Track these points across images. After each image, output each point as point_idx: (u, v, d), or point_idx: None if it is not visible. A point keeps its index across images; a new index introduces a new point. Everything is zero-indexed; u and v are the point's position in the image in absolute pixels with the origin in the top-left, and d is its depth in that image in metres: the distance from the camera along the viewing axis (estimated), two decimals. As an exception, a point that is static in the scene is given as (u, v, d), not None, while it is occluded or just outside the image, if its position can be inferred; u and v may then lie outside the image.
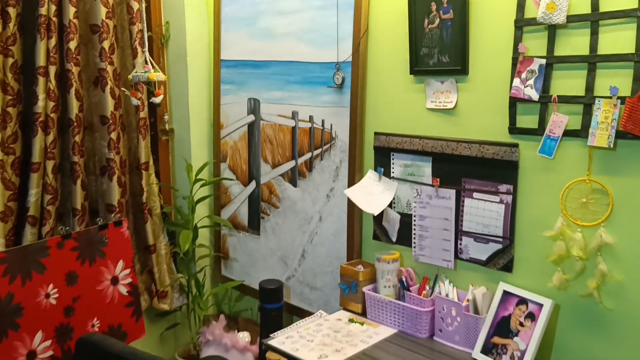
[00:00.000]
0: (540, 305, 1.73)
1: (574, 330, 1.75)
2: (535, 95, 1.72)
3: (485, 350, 1.80)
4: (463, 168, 1.93)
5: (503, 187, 1.83)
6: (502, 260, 1.87)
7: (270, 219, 2.65)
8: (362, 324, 2.09)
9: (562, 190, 1.70)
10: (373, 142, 2.18)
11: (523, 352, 1.71)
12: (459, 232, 1.97)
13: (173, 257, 2.76)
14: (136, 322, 2.38)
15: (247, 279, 2.79)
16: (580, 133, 1.65)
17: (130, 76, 2.36)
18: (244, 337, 2.55)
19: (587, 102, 1.62)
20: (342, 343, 1.94)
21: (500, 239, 1.86)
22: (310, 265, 2.49)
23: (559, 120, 1.68)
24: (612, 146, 1.57)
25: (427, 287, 2.02)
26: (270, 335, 2.02)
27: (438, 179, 1.99)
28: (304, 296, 2.54)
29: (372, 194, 2.17)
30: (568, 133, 1.67)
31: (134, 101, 2.45)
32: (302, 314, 2.52)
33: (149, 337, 2.70)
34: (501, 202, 1.84)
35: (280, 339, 1.98)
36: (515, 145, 1.79)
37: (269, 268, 2.68)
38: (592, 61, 1.61)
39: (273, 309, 2.47)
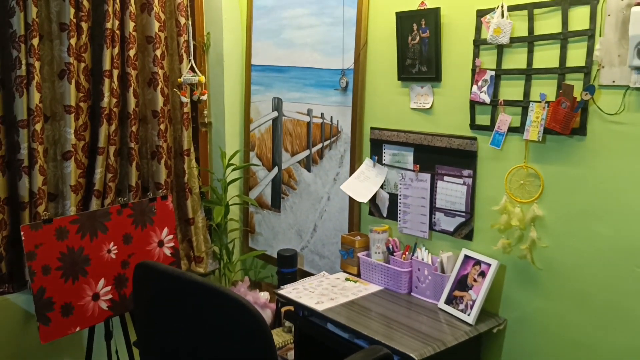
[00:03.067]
0: (489, 265, 2.19)
1: (516, 286, 2.20)
2: (487, 99, 2.17)
3: (448, 301, 2.27)
4: (436, 156, 2.39)
5: (465, 172, 2.30)
6: (465, 230, 2.33)
7: (289, 199, 3.16)
8: (355, 282, 2.58)
9: (506, 174, 2.15)
10: (369, 135, 2.67)
11: (474, 301, 2.17)
12: (433, 208, 2.44)
13: (208, 229, 3.31)
14: (177, 278, 2.94)
15: (269, 250, 3.32)
16: (519, 129, 2.10)
17: (181, 79, 2.91)
18: (264, 295, 3.08)
19: (524, 105, 2.07)
20: (337, 294, 2.44)
21: (463, 214, 2.32)
22: (320, 237, 3.00)
23: (505, 119, 2.13)
24: (541, 140, 2.01)
25: (408, 253, 2.50)
26: (281, 287, 2.54)
27: (418, 166, 2.47)
28: (314, 263, 3.05)
29: (369, 178, 2.66)
30: (511, 129, 2.12)
31: (184, 99, 3.02)
32: (309, 276, 3.03)
33: (188, 294, 3.25)
34: (464, 184, 2.31)
35: (288, 290, 2.49)
36: (475, 139, 2.25)
37: (287, 240, 3.20)
38: (529, 73, 2.06)
39: (288, 272, 2.99)
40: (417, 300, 2.39)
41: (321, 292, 2.47)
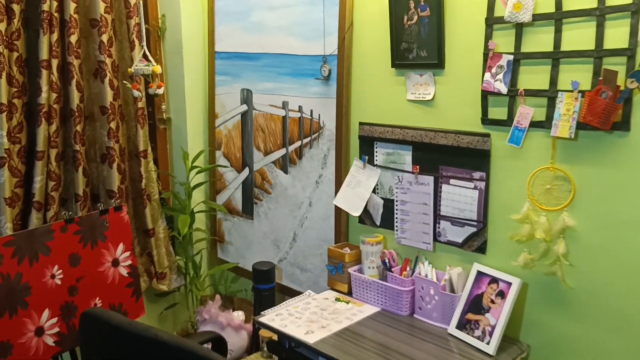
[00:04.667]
0: (509, 284, 1.87)
1: (540, 307, 1.89)
2: (504, 89, 1.84)
3: (460, 326, 1.94)
4: (440, 156, 2.05)
5: (477, 174, 1.96)
6: (477, 242, 2.00)
7: (263, 204, 2.78)
8: (347, 302, 2.23)
9: (528, 177, 1.83)
10: (358, 132, 2.31)
11: (493, 327, 1.85)
12: (437, 216, 2.10)
13: (171, 240, 2.90)
14: (136, 301, 2.53)
15: (241, 262, 2.94)
16: (544, 124, 1.77)
17: (131, 69, 2.48)
18: (238, 316, 2.70)
19: (550, 96, 1.74)
20: (328, 320, 2.08)
21: (475, 223, 1.99)
22: (301, 247, 2.63)
23: (526, 112, 1.80)
24: (573, 136, 1.69)
25: (408, 268, 2.16)
26: (261, 313, 2.16)
27: (418, 167, 2.12)
28: (294, 277, 2.68)
29: (360, 183, 2.30)
30: (534, 124, 1.79)
31: (136, 93, 2.59)
32: (293, 294, 2.66)
33: (149, 316, 2.85)
34: (475, 188, 1.97)
35: (270, 317, 2.12)
36: (487, 135, 1.91)
37: (262, 251, 2.82)
38: (556, 57, 1.73)
39: (265, 289, 2.62)
40: (422, 324, 2.06)
41: (309, 317, 2.10)
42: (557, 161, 1.77)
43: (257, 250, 2.85)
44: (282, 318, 2.10)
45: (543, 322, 1.88)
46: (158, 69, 2.60)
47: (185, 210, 2.80)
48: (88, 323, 1.28)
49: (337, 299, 2.26)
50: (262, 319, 2.10)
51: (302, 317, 2.10)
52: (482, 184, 1.95)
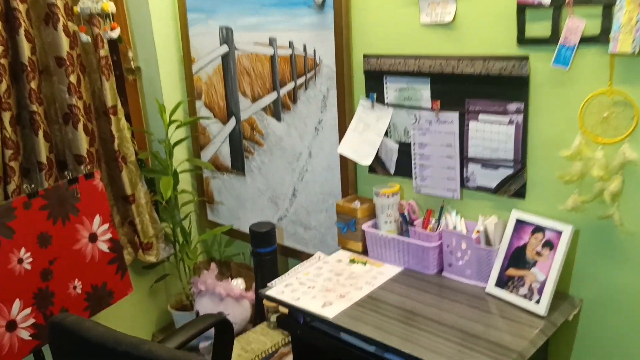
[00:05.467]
0: (559, 233, 1.59)
1: (592, 256, 1.62)
2: (547, -1, 1.51)
3: (501, 283, 1.68)
4: (466, 88, 1.73)
5: (512, 106, 1.65)
6: (514, 186, 1.71)
7: (255, 158, 2.46)
8: (364, 263, 1.95)
9: (580, 104, 1.52)
10: (363, 66, 1.97)
11: (542, 283, 1.59)
12: (464, 159, 1.80)
13: (155, 205, 2.58)
14: (121, 278, 2.23)
15: (236, 223, 2.63)
16: (599, 39, 1.45)
17: (77, 7, 2.09)
18: (238, 284, 2.42)
19: (607, 3, 1.42)
20: (346, 287, 1.80)
21: (511, 163, 1.70)
22: (303, 204, 2.33)
23: (575, 25, 1.48)
24: (637, 52, 1.38)
25: (433, 220, 1.87)
26: (268, 284, 1.88)
27: (438, 102, 1.81)
28: (298, 237, 2.39)
29: (368, 127, 1.99)
30: (586, 40, 1.47)
31: (84, 37, 2.21)
32: (298, 255, 2.39)
33: (138, 291, 2.56)
34: (511, 122, 1.67)
35: (278, 288, 1.84)
36: (525, 58, 1.59)
37: (259, 210, 2.52)
38: (614, -47, 1.39)
39: (266, 252, 2.34)
40: (454, 283, 1.79)
41: (324, 285, 1.82)
42: (617, 83, 1.46)
43: (252, 210, 2.55)
44: (292, 289, 1.82)
45: (596, 273, 1.63)
46: (108, 6, 2.20)
47: (167, 171, 2.47)
48: (58, 337, 0.99)
49: (352, 261, 1.98)
50: (271, 292, 1.82)
51: (316, 286, 1.82)
52: (519, 118, 1.65)
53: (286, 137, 2.30)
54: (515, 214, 1.70)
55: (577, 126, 1.54)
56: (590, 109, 1.51)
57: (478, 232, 1.75)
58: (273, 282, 1.88)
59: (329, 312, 1.66)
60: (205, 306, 2.40)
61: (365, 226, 1.98)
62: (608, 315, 1.64)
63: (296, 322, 1.80)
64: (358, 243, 2.03)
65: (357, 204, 2.04)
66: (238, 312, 2.39)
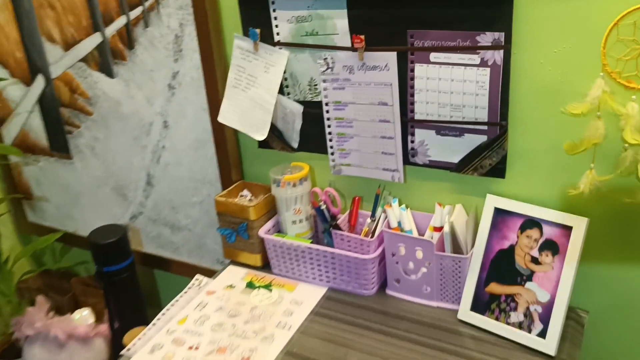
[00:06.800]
0: (566, 229, 1.05)
1: (607, 257, 1.11)
2: None
3: (479, 306, 1.13)
4: (408, 12, 1.08)
5: (486, 37, 1.04)
6: (488, 160, 1.13)
7: (83, 133, 1.67)
8: (269, 288, 1.31)
9: (603, 29, 0.94)
10: (233, -15, 1.24)
11: (547, 306, 1.05)
12: (407, 123, 1.18)
13: (-64, 217, 1.72)
14: None
15: (69, 225, 1.85)
16: None
17: None
18: (83, 318, 1.68)
19: None
20: (250, 339, 1.16)
21: (484, 127, 1.11)
22: (164, 195, 1.61)
23: None
24: None
25: (371, 221, 1.26)
26: (121, 353, 1.18)
27: (362, 38, 1.14)
28: (164, 240, 1.69)
29: (254, 80, 1.28)
30: None
31: None
32: (167, 265, 1.70)
33: None
34: (483, 63, 1.06)
35: (142, 354, 1.15)
36: (508, -44, 0.97)
37: (101, 206, 1.76)
38: None
39: (118, 271, 1.61)
40: (405, 306, 1.21)
41: (213, 339, 1.16)
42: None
43: (92, 206, 1.78)
44: (164, 355, 1.14)
45: (609, 278, 1.12)
46: None
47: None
48: None
49: (251, 284, 1.32)
50: (132, 355, 1.13)
51: (202, 344, 1.16)
52: (497, 55, 1.04)
53: (126, 100, 1.53)
54: (493, 201, 1.14)
55: (596, 64, 0.96)
56: (620, 37, 0.94)
57: (437, 229, 1.16)
58: (132, 343, 1.19)
59: (230, 400, 1.02)
60: (38, 357, 1.65)
61: (264, 232, 1.33)
62: (617, 328, 1.16)
63: (176, 409, 1.14)
64: (255, 256, 1.37)
65: (246, 197, 1.37)
66: (88, 359, 1.67)
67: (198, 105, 1.41)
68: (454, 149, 1.15)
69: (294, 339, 1.14)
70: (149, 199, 1.65)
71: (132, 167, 1.62)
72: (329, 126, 1.26)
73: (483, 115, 1.09)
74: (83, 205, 1.79)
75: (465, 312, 1.14)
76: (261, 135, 1.29)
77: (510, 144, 1.10)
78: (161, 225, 1.66)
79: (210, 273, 1.38)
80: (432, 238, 1.16)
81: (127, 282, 1.64)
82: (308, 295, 1.27)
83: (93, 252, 1.60)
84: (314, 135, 1.29)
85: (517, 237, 1.10)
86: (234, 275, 1.37)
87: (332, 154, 1.29)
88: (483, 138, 1.11)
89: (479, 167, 1.14)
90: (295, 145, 1.33)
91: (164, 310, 1.26)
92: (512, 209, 1.11)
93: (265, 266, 1.37)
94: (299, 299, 1.26)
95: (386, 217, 1.22)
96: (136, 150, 1.59)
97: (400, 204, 1.23)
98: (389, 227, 1.21)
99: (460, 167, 1.16)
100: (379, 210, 1.25)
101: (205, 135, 1.44)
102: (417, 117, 1.16)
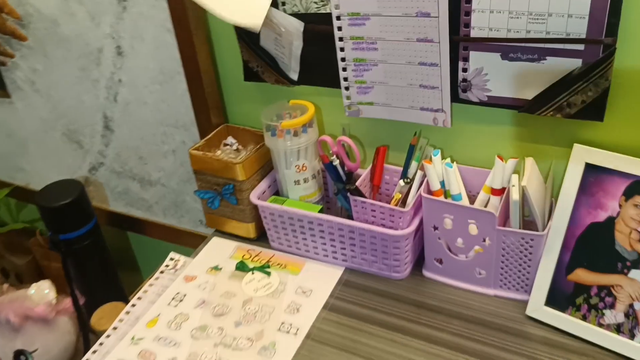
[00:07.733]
0: None
1: None
2: None
3: (558, 300, 0.81)
4: None
5: None
6: (582, 94, 0.77)
7: (19, 64, 1.29)
8: (266, 270, 0.98)
9: None
10: None
11: (664, 307, 0.74)
12: (460, 43, 0.81)
13: None
14: None
15: (19, 177, 1.51)
16: None
17: None
18: (42, 294, 1.37)
19: None
20: (243, 350, 0.85)
21: (580, 45, 0.74)
22: (128, 142, 1.26)
23: None
24: None
25: (403, 183, 0.92)
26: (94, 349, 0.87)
27: None
28: (132, 197, 1.35)
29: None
30: None
31: None
32: (141, 226, 1.37)
33: None
34: (585, -54, 0.68)
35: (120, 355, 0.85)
36: None
37: (52, 154, 1.41)
38: None
39: (79, 238, 1.29)
40: (450, 296, 0.90)
41: (192, 348, 0.86)
42: None
43: (41, 155, 1.43)
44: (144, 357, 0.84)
45: None
46: None
47: None
48: None
49: (242, 265, 1.00)
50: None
51: (183, 344, 0.85)
52: None
53: (64, 19, 1.15)
54: (584, 154, 0.79)
55: None
56: None
57: (496, 192, 0.83)
58: (95, 346, 0.88)
59: None
60: (-10, 343, 1.36)
61: (257, 196, 0.99)
62: None
63: None
64: (247, 225, 1.04)
65: (231, 147, 1.03)
66: (52, 342, 1.38)
67: (159, 23, 1.03)
68: (528, 80, 0.79)
69: (302, 351, 0.83)
70: (110, 146, 1.29)
71: (83, 107, 1.26)
72: (342, 49, 0.89)
73: (580, 29, 0.72)
74: (32, 155, 1.44)
75: (537, 306, 0.83)
76: (254, 20, 0.88)
77: (615, 72, 0.74)
78: (128, 179, 1.32)
79: (192, 238, 1.07)
80: (489, 205, 0.82)
81: (90, 250, 1.32)
82: (319, 281, 0.95)
83: (44, 216, 1.27)
84: (320, 62, 0.92)
85: (620, 206, 0.77)
86: (219, 251, 1.04)
87: (347, 88, 0.92)
88: (577, 63, 0.75)
89: (565, 105, 0.78)
90: (294, 76, 0.97)
91: (134, 303, 0.95)
92: (612, 166, 0.77)
93: (261, 237, 1.04)
94: (307, 287, 0.94)
95: (424, 176, 0.88)
96: (86, 86, 1.22)
97: (444, 158, 0.88)
98: (429, 191, 0.87)
99: (536, 105, 0.80)
100: (414, 166, 0.90)
101: (173, 64, 1.07)
102: (474, 33, 0.79)
